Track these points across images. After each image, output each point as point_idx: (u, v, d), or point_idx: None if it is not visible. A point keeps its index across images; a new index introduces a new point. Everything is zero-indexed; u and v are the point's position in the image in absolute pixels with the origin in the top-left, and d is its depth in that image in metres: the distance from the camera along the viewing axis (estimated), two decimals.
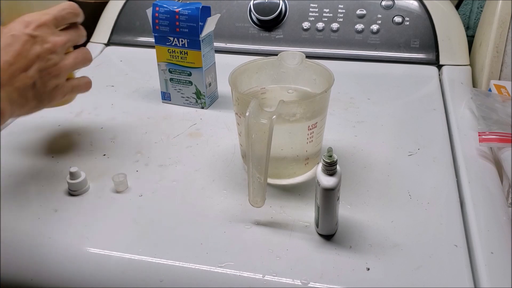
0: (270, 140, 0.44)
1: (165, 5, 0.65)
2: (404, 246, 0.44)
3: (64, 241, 0.46)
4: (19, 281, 0.44)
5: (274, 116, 0.44)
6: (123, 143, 0.62)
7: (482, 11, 0.87)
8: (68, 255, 0.45)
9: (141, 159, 0.58)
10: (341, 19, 0.83)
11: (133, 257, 0.44)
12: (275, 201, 0.50)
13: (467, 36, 0.83)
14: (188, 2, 0.66)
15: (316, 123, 0.50)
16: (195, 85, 0.68)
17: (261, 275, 0.42)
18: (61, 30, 0.49)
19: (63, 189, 0.53)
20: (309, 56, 0.58)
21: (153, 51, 0.69)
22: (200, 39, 0.65)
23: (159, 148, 0.60)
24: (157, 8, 0.65)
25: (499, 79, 0.74)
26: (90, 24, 0.93)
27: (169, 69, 0.69)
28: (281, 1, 0.84)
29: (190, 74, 0.68)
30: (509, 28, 0.72)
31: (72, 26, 0.50)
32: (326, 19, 0.84)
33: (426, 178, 0.53)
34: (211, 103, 0.71)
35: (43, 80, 0.46)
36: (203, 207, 0.50)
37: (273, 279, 0.41)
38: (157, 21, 0.66)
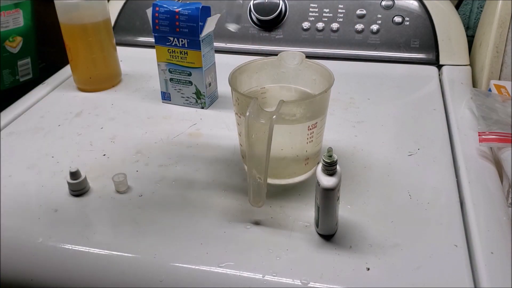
0: (270, 140, 0.44)
1: (165, 5, 0.65)
2: (404, 246, 0.44)
3: (64, 241, 0.46)
4: (19, 281, 0.44)
5: (274, 116, 0.44)
6: (123, 143, 0.62)
7: (482, 11, 0.87)
8: (68, 255, 0.45)
9: (141, 159, 0.58)
10: (341, 19, 0.83)
11: (133, 257, 0.44)
12: (275, 201, 0.50)
13: (467, 36, 0.83)
14: (188, 2, 0.66)
15: (316, 123, 0.50)
16: (195, 85, 0.68)
17: (261, 275, 0.42)
18: None
19: (63, 189, 0.53)
20: (309, 56, 0.58)
21: (153, 51, 0.69)
22: (200, 39, 0.65)
23: (159, 148, 0.60)
24: (157, 8, 0.65)
25: (499, 79, 0.74)
26: None
27: (169, 69, 0.69)
28: (281, 1, 0.84)
29: (190, 74, 0.68)
30: (509, 28, 0.72)
31: None
32: (326, 19, 0.84)
33: (426, 178, 0.53)
34: (211, 103, 0.71)
35: None
36: (203, 207, 0.50)
37: (273, 279, 0.41)
38: (157, 21, 0.66)
